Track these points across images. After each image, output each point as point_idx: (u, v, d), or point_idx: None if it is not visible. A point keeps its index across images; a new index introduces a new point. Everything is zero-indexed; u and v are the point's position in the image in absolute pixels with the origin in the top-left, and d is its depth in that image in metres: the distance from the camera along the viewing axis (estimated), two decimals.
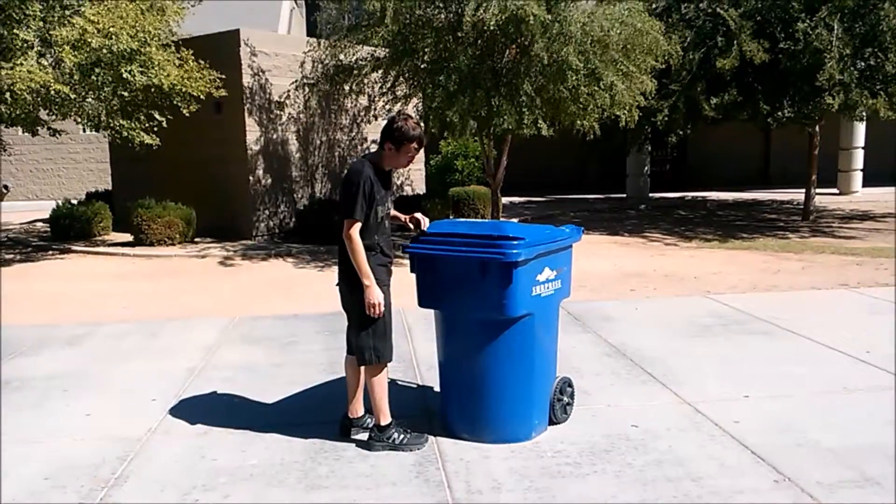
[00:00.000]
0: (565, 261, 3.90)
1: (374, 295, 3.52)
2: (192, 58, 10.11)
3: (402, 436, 3.66)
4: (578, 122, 9.74)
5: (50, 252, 11.72)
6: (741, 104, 12.18)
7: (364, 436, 3.75)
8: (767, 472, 3.35)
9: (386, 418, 3.67)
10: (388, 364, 3.73)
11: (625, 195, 18.35)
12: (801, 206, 14.06)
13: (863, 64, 11.37)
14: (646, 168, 18.39)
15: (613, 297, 7.36)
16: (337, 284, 3.75)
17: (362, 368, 3.72)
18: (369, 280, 3.51)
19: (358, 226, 3.52)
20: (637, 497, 3.13)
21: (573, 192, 19.70)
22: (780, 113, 12.02)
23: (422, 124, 3.62)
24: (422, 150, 13.01)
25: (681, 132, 12.86)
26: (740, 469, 3.38)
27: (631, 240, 11.79)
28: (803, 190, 13.84)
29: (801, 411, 4.07)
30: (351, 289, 3.62)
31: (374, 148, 14.24)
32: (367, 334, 3.61)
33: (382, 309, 3.55)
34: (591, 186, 20.30)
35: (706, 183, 20.58)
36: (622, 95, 9.31)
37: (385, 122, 3.65)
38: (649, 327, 5.99)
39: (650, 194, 18.38)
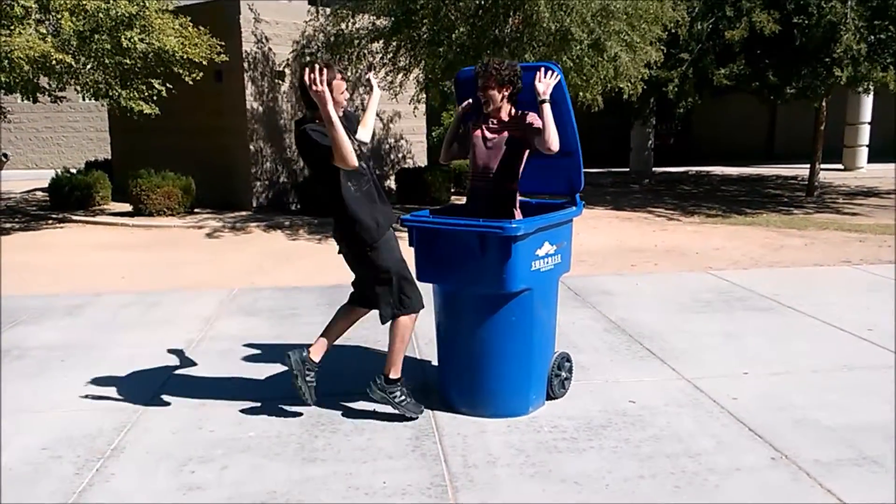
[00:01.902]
0: (565, 235, 3.85)
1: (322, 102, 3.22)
2: (192, 24, 9.97)
3: (404, 397, 3.63)
4: (581, 94, 9.63)
5: (49, 221, 11.69)
6: (749, 76, 12.04)
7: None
8: (765, 449, 3.33)
9: (397, 373, 3.63)
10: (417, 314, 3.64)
11: (628, 169, 18.24)
12: (806, 182, 13.96)
13: (873, 38, 11.20)
14: (650, 142, 18.24)
15: (614, 272, 7.32)
16: (339, 252, 3.68)
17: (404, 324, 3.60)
18: (330, 122, 3.25)
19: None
20: (634, 472, 3.12)
21: None
22: (788, 87, 11.87)
23: (325, 62, 3.42)
24: (423, 122, 12.81)
25: (691, 101, 12.71)
26: (738, 446, 3.37)
27: (633, 214, 11.73)
28: (808, 165, 13.74)
29: (801, 389, 4.06)
30: (353, 247, 3.55)
31: (375, 119, 14.12)
32: (390, 289, 3.54)
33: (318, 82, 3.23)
34: (594, 160, 20.10)
35: (710, 157, 20.46)
36: (627, 67, 9.18)
37: (302, 76, 3.32)
38: (649, 303, 5.97)
39: (654, 168, 18.27)
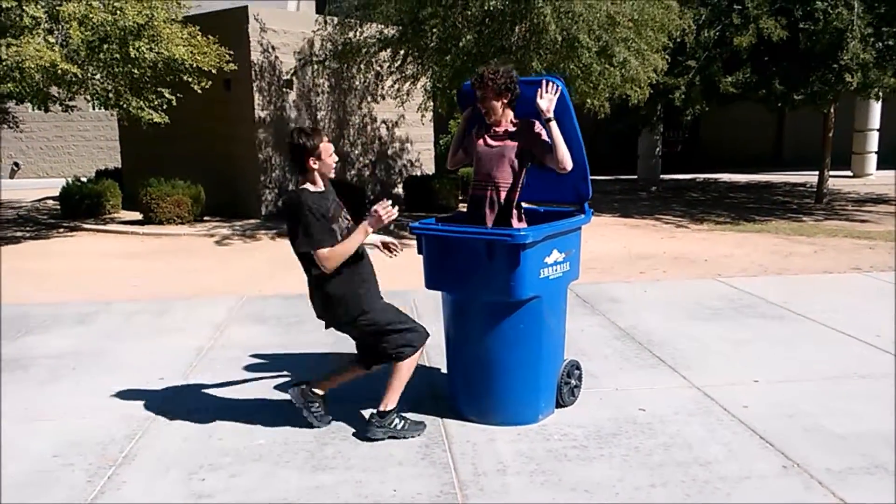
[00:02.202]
0: (574, 243, 3.86)
1: (372, 221, 3.35)
2: (200, 33, 10.05)
3: (402, 422, 3.61)
4: (589, 100, 9.65)
5: (60, 230, 11.76)
6: (757, 84, 12.03)
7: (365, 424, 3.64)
8: (776, 457, 3.32)
9: (393, 404, 3.60)
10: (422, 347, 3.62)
11: (636, 176, 18.22)
12: (815, 189, 13.91)
13: (881, 44, 11.19)
14: (657, 149, 18.22)
15: (623, 279, 7.31)
16: (327, 327, 3.62)
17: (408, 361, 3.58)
18: (362, 234, 3.36)
19: (327, 251, 3.33)
20: (644, 481, 3.11)
21: None
22: (795, 94, 11.86)
23: (313, 127, 3.46)
24: (430, 130, 12.81)
25: (698, 108, 12.71)
26: (749, 454, 3.35)
27: (641, 222, 11.71)
28: (817, 172, 13.69)
29: (811, 396, 4.04)
30: (346, 317, 3.49)
31: (382, 129, 14.17)
32: (393, 337, 3.49)
33: (390, 210, 3.41)
34: (601, 167, 20.11)
35: (718, 164, 20.41)
36: (636, 72, 9.19)
37: (292, 141, 3.39)
38: (659, 310, 5.95)
39: (661, 175, 18.24)
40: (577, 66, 8.95)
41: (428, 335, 3.63)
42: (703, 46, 11.96)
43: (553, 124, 3.60)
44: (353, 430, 3.68)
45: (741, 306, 6.03)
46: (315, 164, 3.40)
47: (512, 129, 3.76)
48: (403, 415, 3.67)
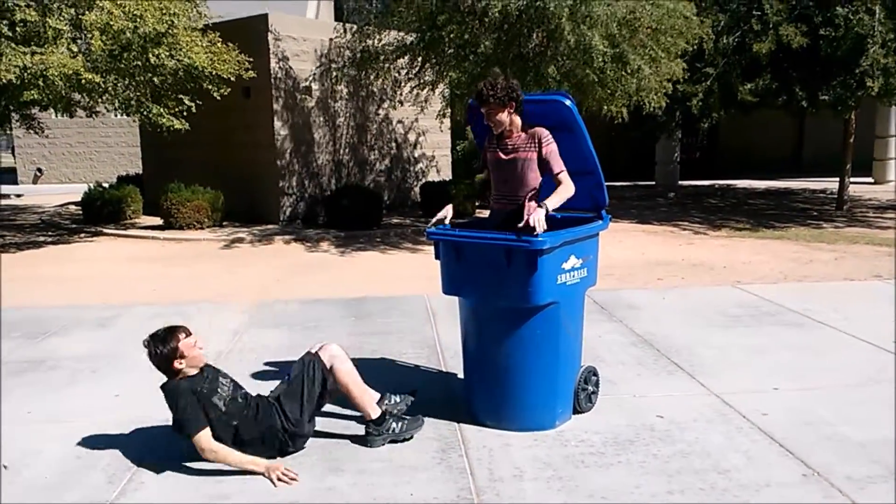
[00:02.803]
0: (591, 249, 3.85)
1: (272, 469, 3.24)
2: (220, 41, 10.16)
3: (399, 423, 3.59)
4: (606, 107, 9.64)
5: (82, 234, 11.92)
6: (777, 90, 11.95)
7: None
8: (796, 465, 3.29)
9: (376, 411, 3.58)
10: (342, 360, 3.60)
11: (653, 182, 18.14)
12: (835, 196, 13.77)
13: None
14: (675, 155, 18.13)
15: (640, 285, 7.28)
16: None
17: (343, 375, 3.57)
18: (254, 465, 3.26)
19: (205, 434, 3.25)
20: (662, 488, 3.09)
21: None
22: (816, 100, 11.77)
23: (166, 329, 3.42)
24: (448, 136, 12.86)
25: (715, 116, 12.64)
26: (768, 462, 3.32)
27: (659, 228, 11.65)
28: (837, 179, 13.55)
29: (832, 404, 3.99)
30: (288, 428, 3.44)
31: (400, 134, 14.21)
32: (304, 401, 3.47)
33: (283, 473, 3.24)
34: (618, 173, 20.05)
35: (737, 171, 20.25)
36: (648, 80, 9.17)
37: (150, 353, 3.33)
38: (677, 317, 5.92)
39: (680, 182, 18.14)
40: (594, 72, 8.94)
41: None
42: (722, 53, 11.90)
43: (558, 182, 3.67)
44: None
45: (760, 313, 5.98)
46: (180, 363, 3.34)
47: (524, 138, 3.77)
48: (395, 415, 3.65)
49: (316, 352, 3.63)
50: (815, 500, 2.98)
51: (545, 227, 3.43)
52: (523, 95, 3.77)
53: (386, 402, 3.72)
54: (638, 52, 9.04)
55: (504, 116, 3.73)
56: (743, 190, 17.50)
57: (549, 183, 3.79)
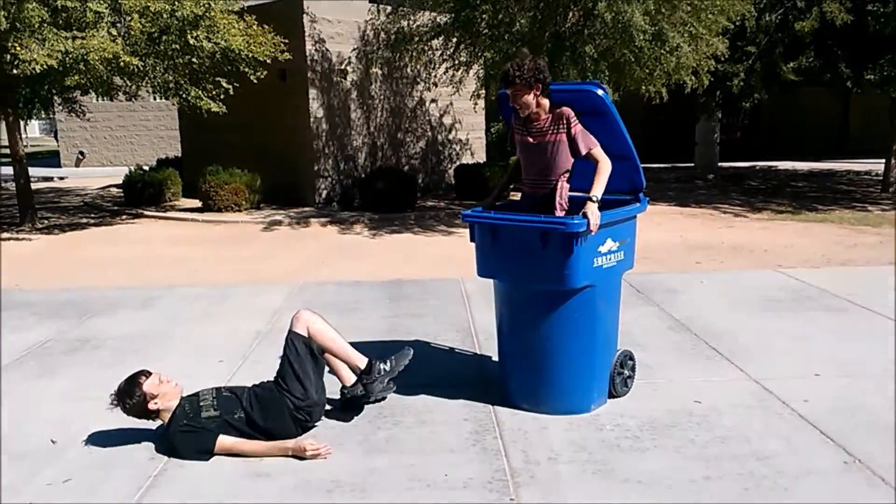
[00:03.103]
0: (629, 232, 3.81)
1: (299, 448, 3.29)
2: (256, 23, 10.22)
3: (387, 362, 3.65)
4: (644, 86, 9.48)
5: (123, 216, 12.17)
6: (820, 68, 11.63)
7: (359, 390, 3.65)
8: (837, 453, 3.23)
9: (363, 361, 3.65)
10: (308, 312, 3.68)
11: (692, 164, 17.83)
12: (881, 178, 13.39)
13: None
14: (716, 136, 17.77)
15: (678, 269, 7.19)
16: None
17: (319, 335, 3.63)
18: (282, 448, 3.31)
19: (221, 439, 3.30)
20: (699, 473, 3.07)
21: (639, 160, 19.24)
22: (862, 79, 11.43)
23: (127, 379, 3.41)
24: (482, 118, 12.81)
25: (757, 96, 12.35)
26: (809, 449, 3.27)
27: (698, 211, 11.47)
28: (883, 160, 13.17)
29: (874, 391, 3.91)
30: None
31: (434, 116, 14.16)
32: (300, 375, 3.52)
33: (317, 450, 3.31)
34: (656, 155, 19.77)
35: (780, 152, 19.81)
36: (687, 58, 8.99)
37: (122, 407, 3.34)
38: (716, 301, 5.84)
39: (720, 163, 17.80)
40: (632, 50, 8.79)
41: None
42: (764, 31, 11.61)
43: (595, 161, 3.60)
44: (405, 416, 3.72)
45: (802, 298, 5.87)
46: (156, 404, 3.34)
47: (551, 120, 3.68)
48: (379, 359, 3.69)
49: (291, 327, 3.65)
50: (857, 489, 2.93)
51: (598, 223, 3.40)
52: (551, 82, 3.69)
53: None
54: (678, 30, 8.86)
55: (530, 98, 3.63)
56: (785, 171, 17.13)
57: (580, 165, 3.73)
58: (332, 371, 3.71)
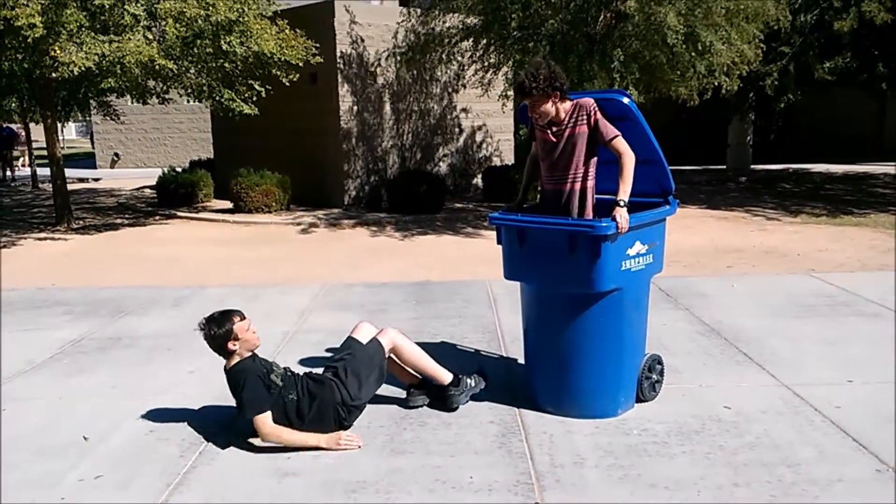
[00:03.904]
0: (658, 235, 3.78)
1: (331, 441, 3.38)
2: (288, 27, 10.33)
3: (472, 379, 3.87)
4: (675, 88, 9.39)
5: (156, 217, 12.37)
6: (857, 69, 11.41)
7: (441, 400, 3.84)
8: (869, 460, 3.17)
9: (449, 376, 3.81)
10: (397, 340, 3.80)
11: (724, 166, 17.60)
12: None
13: None
14: (748, 138, 17.51)
15: (709, 273, 7.10)
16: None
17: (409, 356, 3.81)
18: (315, 441, 3.37)
19: (266, 417, 3.35)
20: (727, 480, 3.03)
21: (668, 163, 19.05)
22: None
23: (222, 312, 3.53)
24: (510, 120, 12.82)
25: (791, 97, 12.15)
26: (841, 456, 3.21)
27: (729, 214, 11.32)
28: None
29: None
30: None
31: (463, 119, 14.16)
32: (362, 380, 3.59)
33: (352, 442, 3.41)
34: (687, 157, 19.56)
35: (814, 154, 19.47)
36: (720, 55, 8.87)
37: (206, 334, 3.45)
38: (746, 306, 5.75)
39: (752, 166, 17.55)
40: (664, 52, 8.71)
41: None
42: (799, 31, 11.42)
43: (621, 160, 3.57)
44: (431, 418, 3.73)
45: (836, 303, 5.76)
46: (235, 345, 3.43)
47: (572, 112, 3.62)
48: (467, 375, 3.89)
49: (378, 338, 3.73)
50: (889, 498, 2.87)
51: (626, 226, 3.39)
52: (568, 87, 3.64)
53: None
54: (710, 31, 8.76)
55: (549, 107, 3.58)
56: (819, 174, 16.82)
57: (603, 169, 3.69)
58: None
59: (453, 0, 10.21)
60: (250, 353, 3.50)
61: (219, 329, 3.43)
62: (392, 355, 3.80)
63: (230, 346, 3.43)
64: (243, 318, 3.49)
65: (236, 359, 3.46)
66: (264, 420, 3.34)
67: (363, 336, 3.75)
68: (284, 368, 3.62)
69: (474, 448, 3.38)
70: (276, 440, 3.35)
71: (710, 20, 8.74)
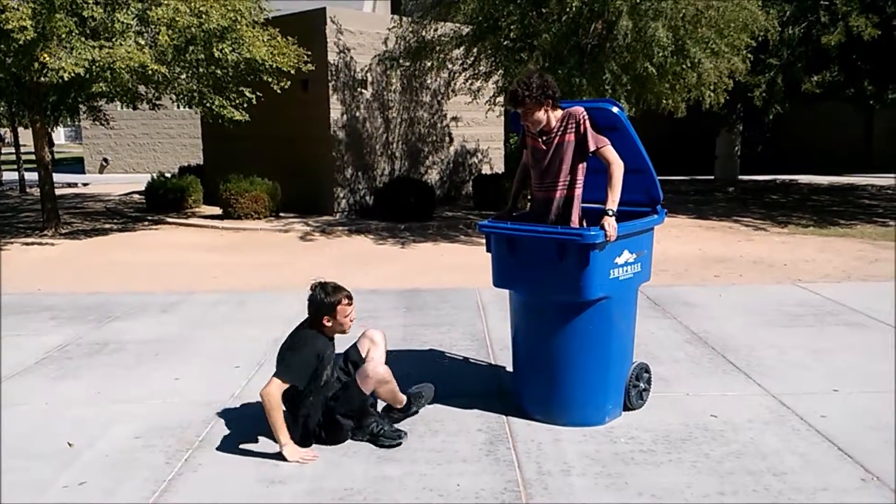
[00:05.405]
0: (646, 244, 3.80)
1: (293, 453, 3.33)
2: (280, 34, 10.34)
3: (379, 427, 3.56)
4: (664, 100, 9.47)
5: (145, 223, 12.31)
6: (844, 83, 11.53)
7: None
8: (855, 470, 3.19)
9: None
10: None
11: (712, 177, 17.72)
12: None
13: None
14: (736, 149, 17.64)
15: (696, 282, 7.14)
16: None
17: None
18: (282, 437, 3.33)
19: (282, 385, 3.34)
20: (714, 488, 3.04)
21: (657, 172, 19.14)
22: (885, 94, 11.32)
23: (335, 285, 3.56)
24: (500, 128, 12.82)
25: (778, 109, 12.25)
26: (826, 465, 3.23)
27: (717, 224, 11.39)
28: None
29: (894, 408, 3.85)
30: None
31: (453, 127, 14.21)
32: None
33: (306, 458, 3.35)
34: (677, 168, 19.65)
35: (801, 166, 19.63)
36: (708, 74, 8.98)
37: (312, 295, 3.47)
38: (733, 315, 5.79)
39: (740, 176, 17.67)
40: (653, 64, 8.79)
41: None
42: (787, 44, 11.53)
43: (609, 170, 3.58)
44: (418, 425, 3.72)
45: (822, 313, 5.81)
46: (328, 322, 3.45)
47: (562, 120, 3.66)
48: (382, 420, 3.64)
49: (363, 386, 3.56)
50: None
51: (615, 235, 3.41)
52: (560, 96, 3.69)
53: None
54: (699, 45, 8.85)
55: (541, 115, 3.63)
56: (806, 185, 16.97)
57: (592, 177, 3.71)
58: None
59: (450, 8, 10.25)
60: (332, 339, 3.51)
61: (326, 297, 3.44)
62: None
63: (326, 322, 3.46)
64: (350, 302, 3.51)
65: (318, 330, 3.48)
66: (279, 386, 3.34)
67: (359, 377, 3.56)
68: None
69: (462, 456, 3.38)
70: (267, 407, 3.32)
71: (699, 33, 8.83)
